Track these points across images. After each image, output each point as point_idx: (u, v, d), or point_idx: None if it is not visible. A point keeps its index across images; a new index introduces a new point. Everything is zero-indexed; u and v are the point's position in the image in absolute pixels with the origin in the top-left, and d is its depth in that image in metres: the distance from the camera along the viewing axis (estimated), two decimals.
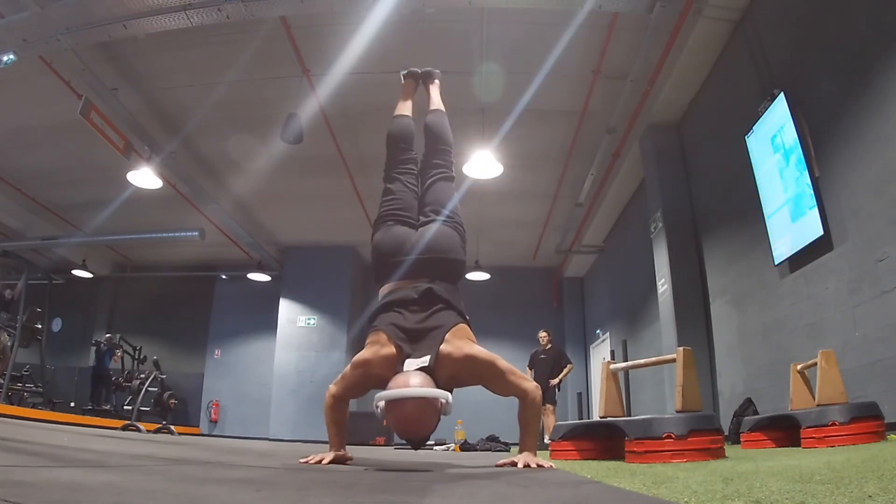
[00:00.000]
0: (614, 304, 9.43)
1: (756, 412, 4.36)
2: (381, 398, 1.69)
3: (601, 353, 10.18)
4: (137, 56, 5.89)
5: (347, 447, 2.14)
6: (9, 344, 7.52)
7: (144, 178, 7.31)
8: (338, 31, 5.41)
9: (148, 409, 8.36)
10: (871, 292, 3.29)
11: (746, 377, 4.91)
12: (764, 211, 4.44)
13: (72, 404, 9.68)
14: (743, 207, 4.92)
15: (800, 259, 4.05)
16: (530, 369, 7.62)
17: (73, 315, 12.44)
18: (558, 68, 5.74)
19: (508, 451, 5.94)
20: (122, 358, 10.54)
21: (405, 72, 2.86)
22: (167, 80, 6.33)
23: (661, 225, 6.23)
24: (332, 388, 2.07)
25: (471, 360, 1.88)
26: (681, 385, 2.73)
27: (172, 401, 8.60)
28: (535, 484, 1.39)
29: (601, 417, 3.15)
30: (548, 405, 7.08)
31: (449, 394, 1.74)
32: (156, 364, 8.67)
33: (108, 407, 9.61)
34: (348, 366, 2.03)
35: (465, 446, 6.64)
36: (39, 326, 8.78)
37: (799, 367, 3.38)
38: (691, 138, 6.17)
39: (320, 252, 11.24)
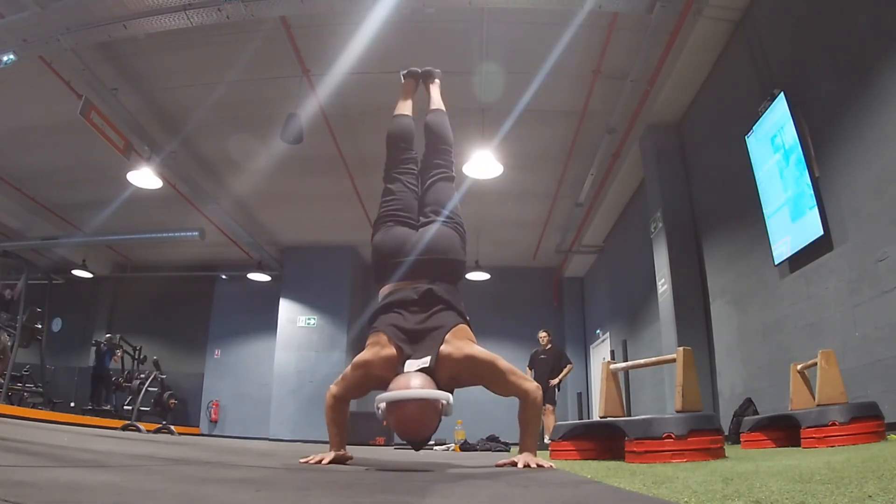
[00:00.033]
0: (614, 304, 9.42)
1: (756, 412, 4.36)
2: (382, 400, 1.69)
3: (601, 353, 10.18)
4: (137, 56, 5.89)
5: (347, 447, 2.15)
6: (9, 344, 7.52)
7: (144, 178, 7.31)
8: (338, 31, 5.41)
9: (148, 409, 8.36)
10: (871, 292, 3.29)
11: (746, 377, 4.91)
12: (764, 211, 4.44)
13: (72, 404, 9.68)
14: (743, 207, 4.92)
15: (800, 259, 4.05)
16: (530, 369, 7.62)
17: (73, 315, 12.44)
18: (558, 68, 5.74)
19: (508, 451, 5.94)
20: (122, 358, 10.54)
21: (405, 71, 2.86)
22: (167, 80, 6.33)
23: (661, 225, 6.23)
24: (333, 388, 2.07)
25: (471, 360, 1.88)
26: (681, 385, 2.73)
27: (172, 401, 8.60)
28: (535, 484, 1.39)
29: (601, 417, 3.15)
30: (548, 405, 7.08)
31: (450, 395, 1.74)
32: (156, 364, 8.67)
33: (108, 407, 9.61)
34: (349, 366, 2.03)
35: (465, 446, 6.64)
36: (39, 326, 8.78)
37: (799, 367, 3.38)
38: (691, 138, 6.17)
39: (320, 252, 11.24)
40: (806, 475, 1.35)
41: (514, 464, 1.87)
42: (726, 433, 3.97)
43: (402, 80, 2.85)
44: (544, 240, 10.61)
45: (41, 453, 1.72)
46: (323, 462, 1.93)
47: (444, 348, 1.87)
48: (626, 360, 7.78)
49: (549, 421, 6.90)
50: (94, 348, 10.47)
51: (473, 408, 6.78)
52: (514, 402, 1.96)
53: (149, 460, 1.80)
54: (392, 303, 2.05)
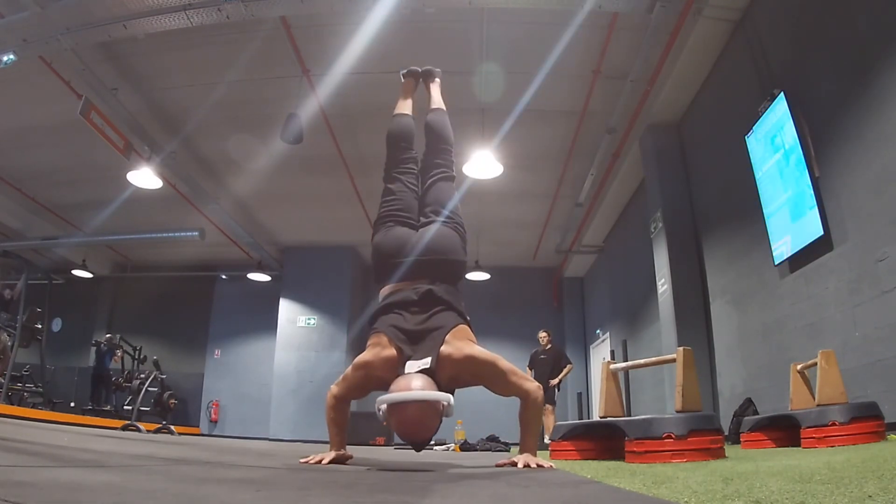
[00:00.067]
0: (614, 304, 9.42)
1: (756, 412, 4.36)
2: (383, 402, 1.69)
3: (601, 353, 10.18)
4: (137, 56, 5.89)
5: (348, 447, 2.15)
6: (9, 344, 7.52)
7: (144, 178, 7.31)
8: (338, 31, 5.41)
9: (148, 409, 8.36)
10: (871, 292, 3.29)
11: (746, 377, 4.91)
12: (764, 211, 4.44)
13: (72, 404, 9.68)
14: (743, 207, 4.92)
15: (800, 259, 4.05)
16: (530, 369, 7.62)
17: (73, 315, 12.44)
18: (558, 68, 5.74)
19: (508, 451, 5.94)
20: (123, 358, 10.54)
21: (405, 70, 2.86)
22: (167, 80, 6.33)
23: (661, 225, 6.23)
24: (334, 388, 2.07)
25: (471, 360, 1.88)
26: (681, 385, 2.73)
27: (172, 401, 8.60)
28: (536, 484, 1.39)
29: (601, 417, 3.15)
30: (547, 405, 7.09)
31: (450, 396, 1.74)
32: (156, 364, 8.67)
33: (108, 407, 9.60)
34: (350, 367, 2.03)
35: (465, 446, 6.64)
36: (39, 326, 8.78)
37: (799, 367, 3.38)
38: (691, 138, 6.17)
39: (320, 252, 11.24)
40: (806, 475, 1.35)
41: (514, 464, 1.87)
42: (726, 433, 3.97)
43: (402, 80, 2.85)
44: (544, 240, 10.61)
45: (41, 453, 1.72)
46: (323, 462, 1.93)
47: (444, 349, 1.87)
48: (626, 360, 7.78)
49: (549, 421, 6.90)
50: (94, 348, 10.47)
51: (473, 408, 6.78)
52: (514, 402, 1.96)
53: (149, 460, 1.80)
54: (392, 303, 2.05)
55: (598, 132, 6.80)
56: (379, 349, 1.93)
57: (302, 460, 1.97)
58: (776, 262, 4.30)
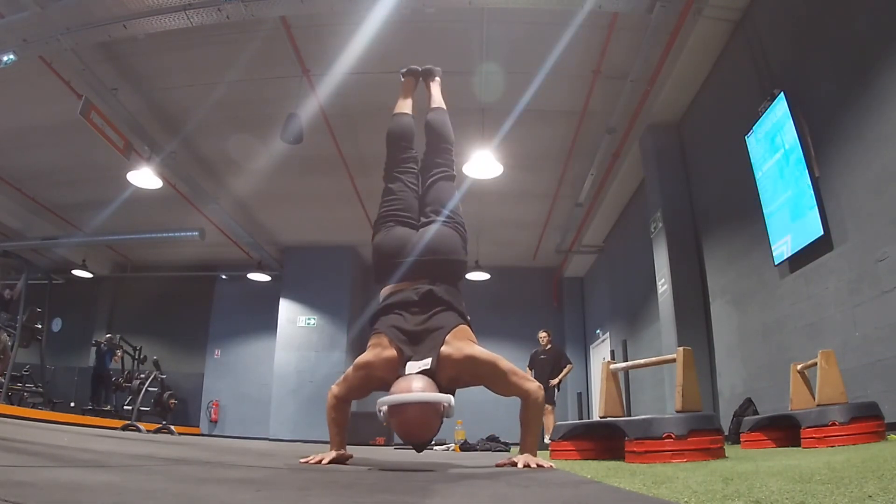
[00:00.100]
0: (614, 304, 9.42)
1: (756, 412, 4.36)
2: (383, 403, 1.69)
3: (601, 353, 10.18)
4: (137, 56, 5.89)
5: (348, 447, 2.15)
6: (9, 344, 7.52)
7: (144, 178, 7.31)
8: (338, 31, 5.41)
9: (148, 409, 8.36)
10: (871, 292, 3.29)
11: (746, 377, 4.91)
12: (764, 211, 4.44)
13: (72, 404, 9.68)
14: (743, 207, 4.92)
15: (800, 259, 4.05)
16: (530, 369, 7.62)
17: (73, 315, 12.44)
18: (558, 68, 5.74)
19: (508, 451, 5.94)
20: (123, 358, 10.53)
21: (405, 70, 2.85)
22: (167, 80, 6.33)
23: (661, 225, 6.23)
24: (335, 388, 2.07)
25: (472, 361, 1.88)
26: (681, 385, 2.73)
27: (172, 401, 8.60)
28: (536, 484, 1.39)
29: (601, 417, 3.15)
30: (547, 405, 7.08)
31: (451, 397, 1.74)
32: (156, 364, 8.67)
33: (108, 407, 9.60)
34: (350, 367, 2.03)
35: (465, 446, 6.64)
36: (39, 326, 8.77)
37: (799, 367, 3.38)
38: (691, 138, 6.17)
39: (320, 252, 11.25)
40: (806, 475, 1.35)
41: (514, 464, 1.87)
42: (726, 433, 3.97)
43: (402, 79, 2.84)
44: (544, 240, 10.61)
45: (41, 453, 1.72)
46: (323, 462, 1.93)
47: (444, 349, 1.87)
48: (626, 360, 7.78)
49: (549, 421, 6.90)
50: (94, 348, 10.47)
51: (473, 408, 6.79)
52: (514, 402, 1.96)
53: (149, 460, 1.80)
54: (393, 304, 2.05)
55: (598, 132, 6.80)
56: (379, 350, 1.93)
57: (302, 460, 1.97)
58: (776, 262, 4.30)
